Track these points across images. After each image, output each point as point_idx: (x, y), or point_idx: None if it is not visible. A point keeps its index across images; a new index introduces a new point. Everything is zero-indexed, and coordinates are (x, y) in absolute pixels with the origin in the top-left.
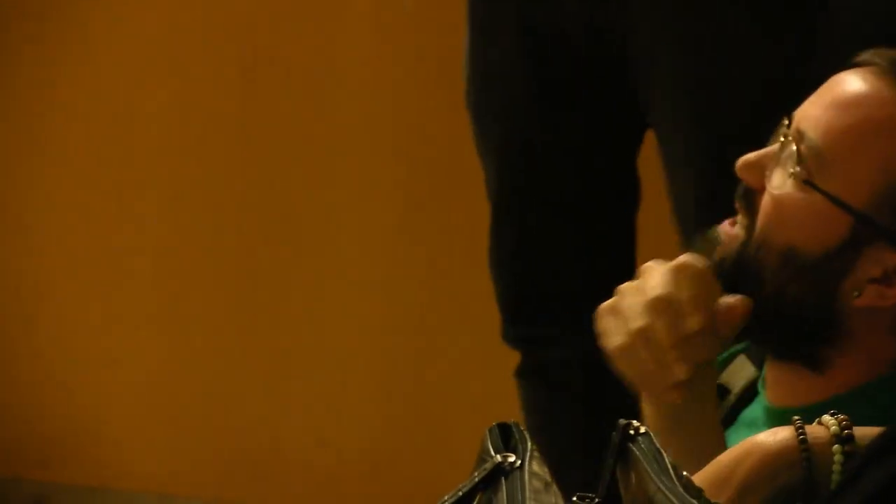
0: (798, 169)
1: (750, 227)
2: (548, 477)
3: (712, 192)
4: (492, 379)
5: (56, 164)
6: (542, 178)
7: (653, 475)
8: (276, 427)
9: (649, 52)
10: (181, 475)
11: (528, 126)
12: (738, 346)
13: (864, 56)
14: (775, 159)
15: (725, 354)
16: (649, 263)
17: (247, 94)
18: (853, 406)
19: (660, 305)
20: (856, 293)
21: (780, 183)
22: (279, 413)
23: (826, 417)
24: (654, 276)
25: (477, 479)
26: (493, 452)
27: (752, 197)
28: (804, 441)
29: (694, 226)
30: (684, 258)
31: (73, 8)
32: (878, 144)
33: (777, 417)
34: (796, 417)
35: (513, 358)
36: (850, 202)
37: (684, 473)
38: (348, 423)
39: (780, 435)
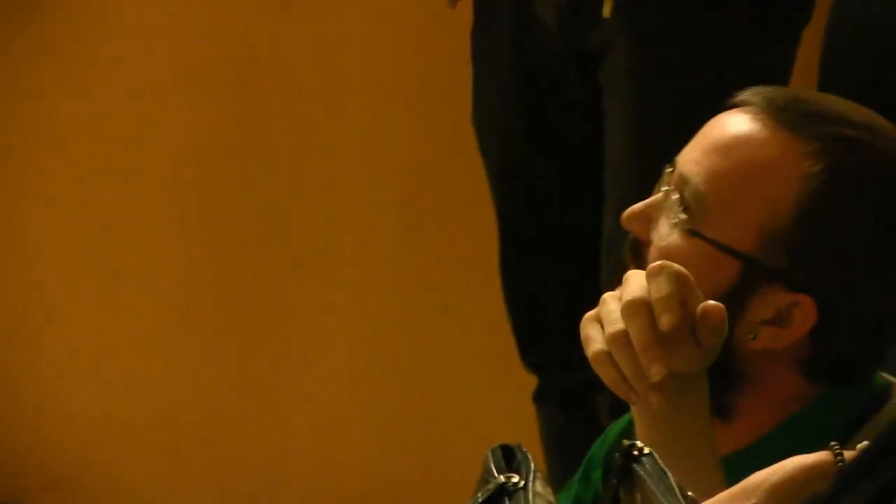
0: (682, 217)
1: None
2: (552, 497)
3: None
4: (495, 399)
5: (56, 180)
6: (542, 207)
7: (658, 495)
8: (277, 448)
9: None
10: (182, 499)
11: (521, 161)
12: None
13: (742, 96)
14: (660, 208)
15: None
16: (632, 270)
17: (246, 103)
18: (764, 455)
19: (633, 308)
20: (751, 336)
21: (665, 233)
22: (280, 434)
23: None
24: (633, 282)
25: (480, 500)
26: (496, 473)
27: (640, 250)
28: (840, 455)
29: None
30: (661, 261)
31: (71, 3)
32: (761, 186)
33: None
34: (834, 443)
35: (518, 378)
36: (736, 247)
37: (689, 493)
38: (350, 442)
39: (816, 454)
